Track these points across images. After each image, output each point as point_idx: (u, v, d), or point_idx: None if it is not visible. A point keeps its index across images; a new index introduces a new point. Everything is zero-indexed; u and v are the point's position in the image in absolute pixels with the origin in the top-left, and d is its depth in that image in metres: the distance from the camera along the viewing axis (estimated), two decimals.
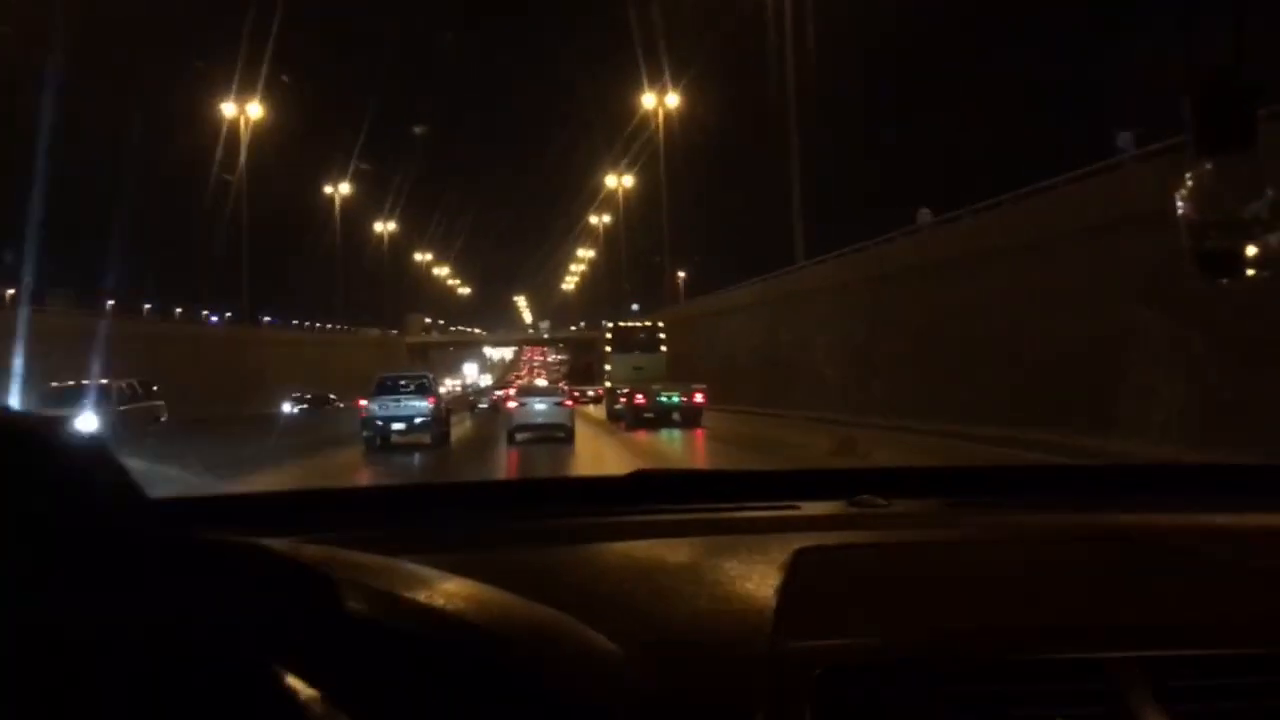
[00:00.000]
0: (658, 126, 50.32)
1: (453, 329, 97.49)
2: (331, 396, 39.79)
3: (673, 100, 49.67)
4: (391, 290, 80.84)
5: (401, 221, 79.28)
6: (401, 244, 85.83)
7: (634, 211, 63.17)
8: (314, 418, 32.78)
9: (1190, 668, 0.86)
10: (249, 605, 0.55)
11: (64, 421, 0.54)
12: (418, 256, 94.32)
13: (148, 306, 44.20)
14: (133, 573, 0.49)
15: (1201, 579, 1.06)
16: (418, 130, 62.48)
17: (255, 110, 46.08)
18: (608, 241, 74.90)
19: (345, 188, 64.87)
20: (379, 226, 75.23)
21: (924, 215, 23.43)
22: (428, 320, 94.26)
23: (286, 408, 36.76)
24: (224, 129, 45.13)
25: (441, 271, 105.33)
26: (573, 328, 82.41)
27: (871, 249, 25.23)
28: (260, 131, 47.05)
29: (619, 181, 64.06)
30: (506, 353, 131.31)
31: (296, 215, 62.61)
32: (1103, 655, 0.86)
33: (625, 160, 60.72)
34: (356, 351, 62.62)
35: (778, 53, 31.65)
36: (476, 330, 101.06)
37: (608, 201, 70.16)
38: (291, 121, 51.59)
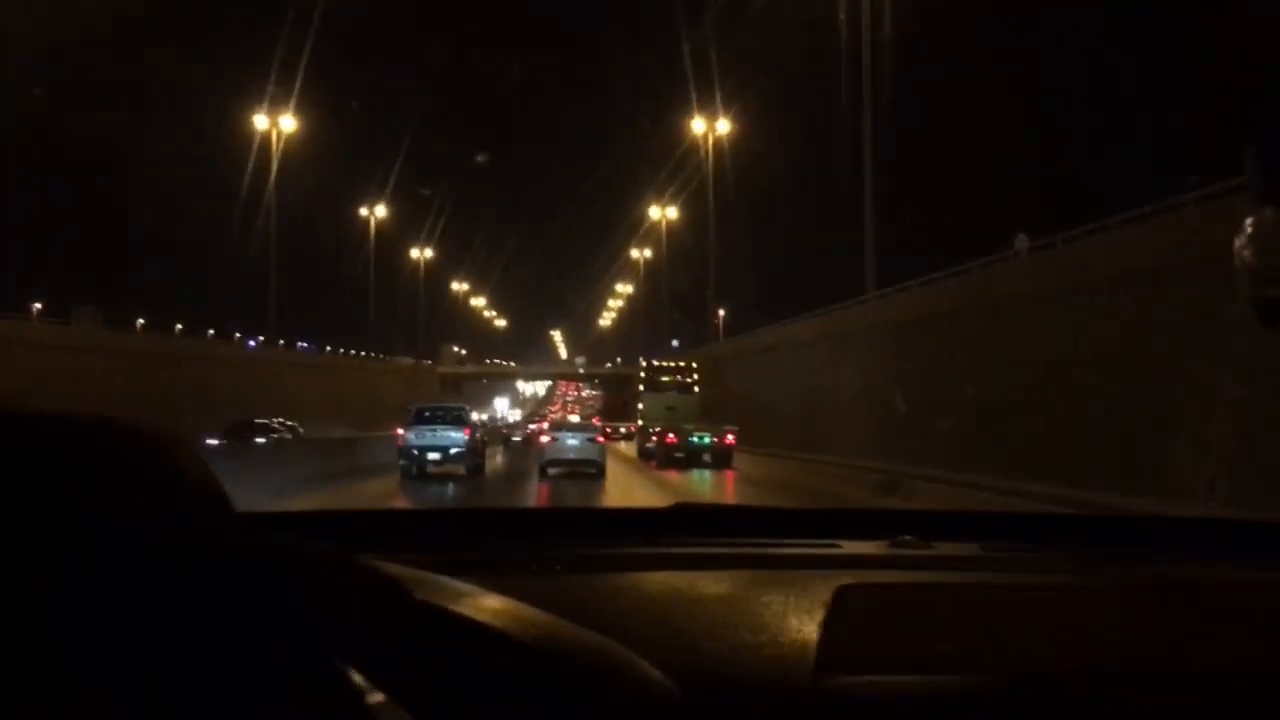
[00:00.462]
0: (706, 153, 48.47)
1: (487, 362, 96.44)
2: (273, 421, 29.41)
3: (723, 127, 47.70)
4: (426, 319, 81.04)
5: (439, 249, 78.09)
6: (438, 273, 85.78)
7: (678, 245, 62.25)
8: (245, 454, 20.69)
9: (1226, 715, 0.86)
10: (337, 611, 0.56)
11: (165, 428, 0.53)
12: (455, 286, 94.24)
13: (179, 327, 43.69)
14: (227, 576, 0.50)
15: (1246, 630, 1.05)
16: (480, 159, 64.25)
17: (288, 124, 44.74)
18: (648, 276, 74.27)
19: (381, 210, 64.03)
20: (415, 253, 75.44)
21: (1021, 241, 20.41)
22: (462, 351, 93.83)
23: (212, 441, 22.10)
24: (256, 143, 43.86)
25: (478, 302, 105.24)
26: (609, 364, 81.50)
27: (915, 289, 24.97)
28: (299, 154, 46.69)
29: (663, 214, 62.82)
30: (540, 388, 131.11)
31: (333, 241, 62.87)
32: (1139, 701, 0.86)
33: (671, 190, 59.40)
34: (387, 379, 61.89)
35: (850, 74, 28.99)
36: (510, 364, 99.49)
37: (650, 235, 69.51)
38: (332, 145, 52.48)
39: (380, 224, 64.63)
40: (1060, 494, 13.32)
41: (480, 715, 0.65)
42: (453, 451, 19.87)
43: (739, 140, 47.23)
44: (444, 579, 0.75)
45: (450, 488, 18.38)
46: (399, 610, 0.67)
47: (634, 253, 77.47)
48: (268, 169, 43.65)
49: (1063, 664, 0.94)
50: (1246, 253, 1.01)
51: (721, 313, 52.60)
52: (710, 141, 48.30)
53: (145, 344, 36.30)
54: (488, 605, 0.71)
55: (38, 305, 36.05)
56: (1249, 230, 1.02)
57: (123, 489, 0.49)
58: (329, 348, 59.47)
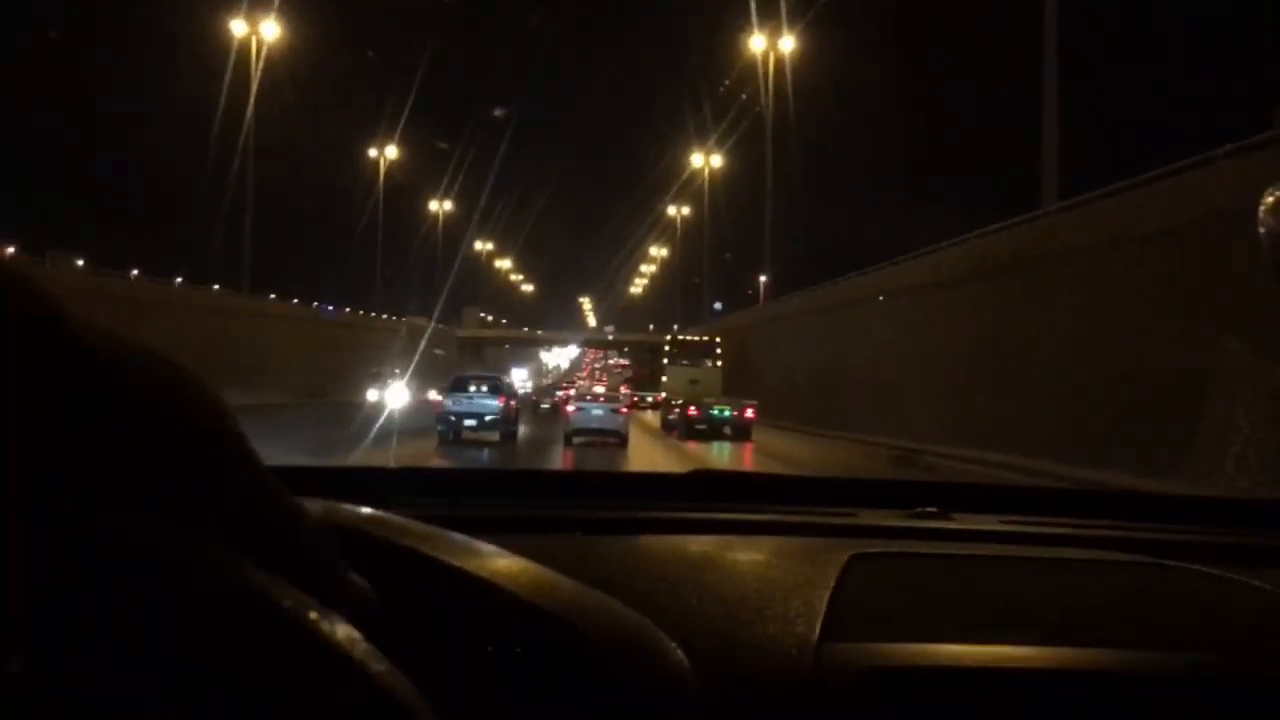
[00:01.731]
0: (764, 79, 42.03)
1: (508, 326, 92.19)
2: None
3: (787, 45, 42.04)
4: (447, 280, 74.69)
5: (460, 206, 73.57)
6: (459, 230, 78.57)
7: (721, 199, 57.53)
8: None
9: (1243, 690, 0.87)
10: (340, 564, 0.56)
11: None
12: (478, 246, 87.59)
13: (179, 280, 38.58)
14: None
15: (1263, 607, 1.05)
16: (497, 113, 58.88)
17: (271, 31, 39.83)
18: (685, 236, 70.02)
19: (392, 151, 58.84)
20: (433, 206, 70.24)
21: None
22: (487, 317, 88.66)
23: None
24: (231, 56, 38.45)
25: (504, 265, 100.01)
26: (642, 333, 76.97)
27: (946, 249, 24.45)
28: (294, 87, 42.38)
29: (706, 161, 57.96)
30: (564, 359, 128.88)
31: (342, 191, 60.60)
32: (1148, 671, 0.87)
33: (717, 135, 54.55)
34: (386, 340, 53.32)
35: None
36: (536, 331, 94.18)
37: (687, 191, 64.76)
38: (340, 84, 50.33)
39: (395, 178, 60.09)
40: (1082, 475, 13.27)
41: (482, 670, 0.66)
42: (488, 419, 21.12)
43: (803, 67, 41.70)
44: (456, 535, 0.75)
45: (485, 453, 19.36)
46: (409, 564, 0.68)
47: (671, 210, 72.81)
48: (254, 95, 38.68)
49: (1079, 639, 0.93)
50: (1270, 217, 0.99)
51: (762, 279, 48.37)
52: (769, 64, 42.35)
53: (89, 283, 30.75)
54: (498, 562, 0.72)
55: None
56: (1271, 199, 0.99)
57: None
58: (317, 303, 53.26)
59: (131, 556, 0.42)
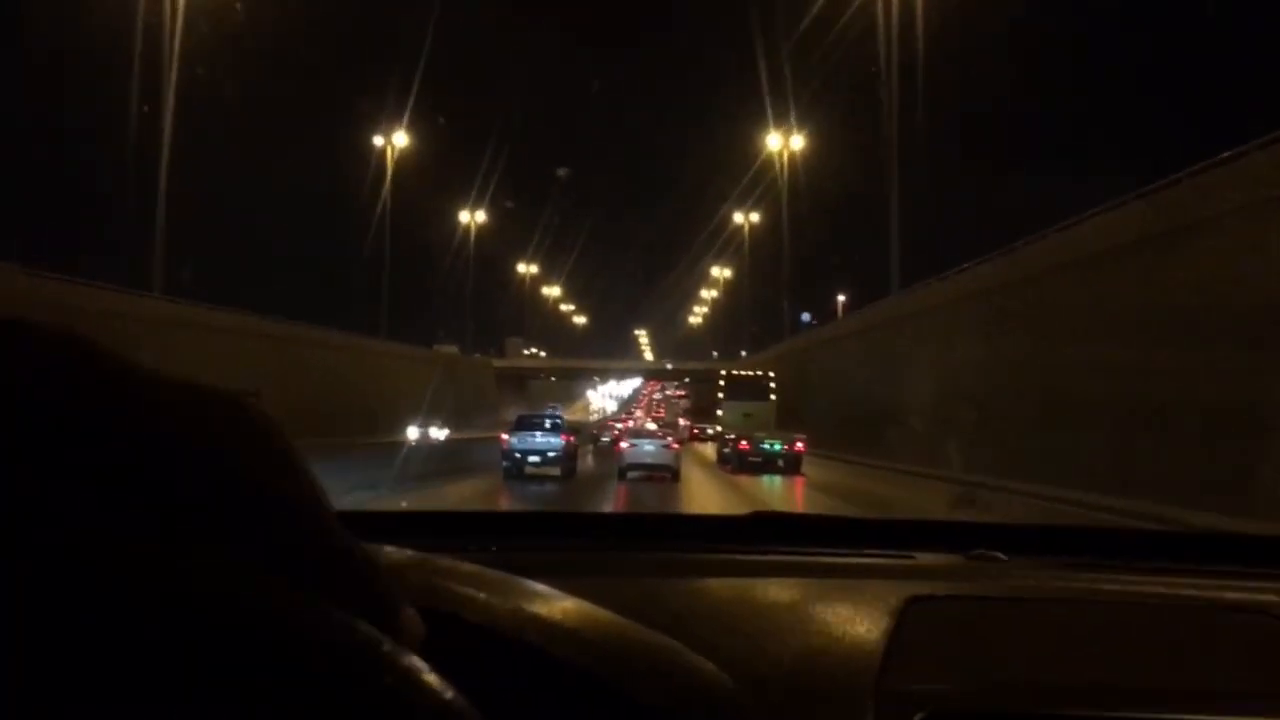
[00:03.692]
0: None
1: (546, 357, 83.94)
2: None
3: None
4: (486, 306, 70.24)
5: (505, 235, 69.19)
6: (501, 256, 74.95)
7: (794, 208, 52.06)
8: None
9: None
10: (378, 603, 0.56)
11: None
12: (522, 268, 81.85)
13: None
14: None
15: None
16: (561, 173, 59.60)
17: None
18: (753, 251, 64.93)
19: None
20: (464, 217, 63.71)
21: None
22: (539, 353, 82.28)
23: None
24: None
25: (552, 292, 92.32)
26: (703, 361, 70.08)
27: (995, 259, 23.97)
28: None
29: (784, 146, 52.24)
30: (616, 396, 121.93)
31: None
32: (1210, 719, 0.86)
33: (794, 117, 49.59)
34: (410, 368, 48.61)
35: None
36: (588, 362, 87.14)
37: (759, 194, 60.07)
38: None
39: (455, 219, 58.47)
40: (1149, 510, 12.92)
41: (542, 711, 0.66)
42: (550, 455, 22.68)
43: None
44: (516, 578, 0.75)
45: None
46: (468, 607, 0.68)
47: (738, 217, 65.74)
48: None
49: (1134, 680, 0.93)
50: None
51: (842, 298, 45.37)
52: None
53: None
54: (556, 605, 0.72)
55: None
56: None
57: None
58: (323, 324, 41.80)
59: (199, 595, 0.41)
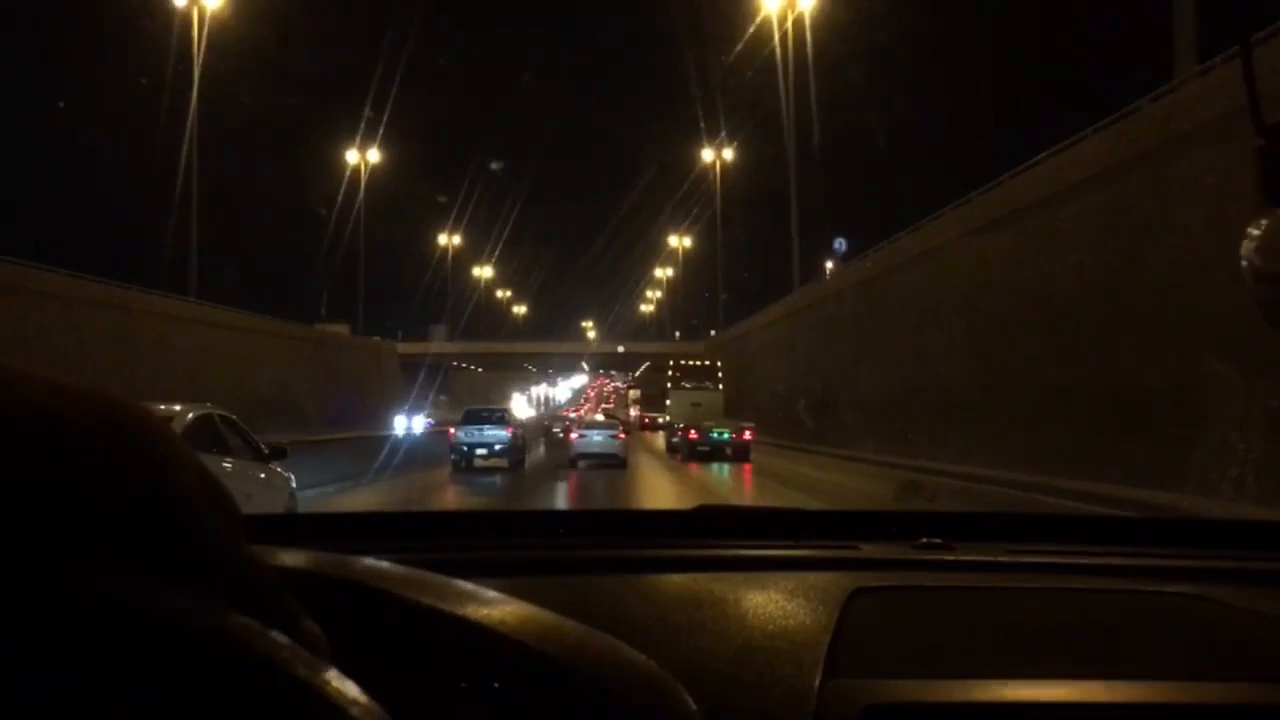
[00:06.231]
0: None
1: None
2: None
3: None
4: (421, 298, 59.39)
5: (432, 218, 60.55)
6: (428, 235, 64.27)
7: (754, 185, 53.44)
8: None
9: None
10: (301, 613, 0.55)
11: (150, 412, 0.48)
12: (443, 239, 68.48)
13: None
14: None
15: (1264, 635, 1.05)
16: (494, 166, 54.39)
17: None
18: (708, 232, 60.73)
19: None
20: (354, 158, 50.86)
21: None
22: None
23: None
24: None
25: (483, 272, 77.93)
26: (663, 343, 63.37)
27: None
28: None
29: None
30: (554, 395, 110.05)
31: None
32: (1153, 702, 0.87)
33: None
34: (271, 348, 38.58)
35: None
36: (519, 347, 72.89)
37: (703, 183, 56.79)
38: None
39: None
40: (1089, 489, 13.21)
41: (472, 711, 0.65)
42: (497, 447, 22.97)
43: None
44: (447, 579, 0.74)
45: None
46: (391, 611, 0.66)
47: (708, 155, 57.16)
48: None
49: (1079, 670, 0.94)
50: (1254, 256, 1.00)
51: (829, 264, 39.64)
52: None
53: None
54: (488, 604, 0.71)
55: None
56: (1255, 233, 1.01)
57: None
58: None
59: (93, 607, 0.41)
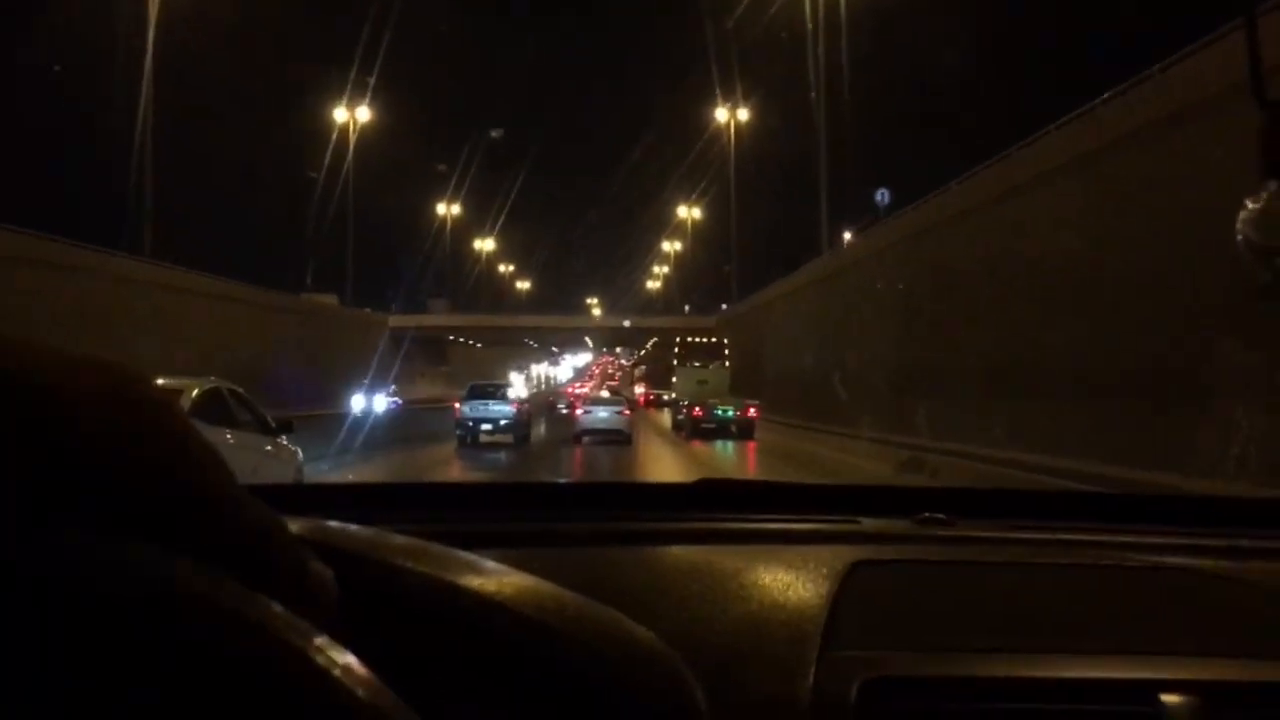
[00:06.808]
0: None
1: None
2: None
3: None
4: (427, 271, 56.60)
5: (435, 191, 58.59)
6: (425, 207, 61.83)
7: (767, 151, 50.59)
8: None
9: (1245, 697, 0.87)
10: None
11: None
12: (441, 209, 65.95)
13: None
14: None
15: (1263, 611, 1.05)
16: (494, 134, 53.38)
17: None
18: (722, 200, 57.18)
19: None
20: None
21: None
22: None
23: None
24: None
25: (484, 245, 75.55)
26: (672, 318, 59.49)
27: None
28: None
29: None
30: (555, 375, 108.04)
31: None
32: (1152, 678, 0.87)
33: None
34: (239, 316, 33.95)
35: None
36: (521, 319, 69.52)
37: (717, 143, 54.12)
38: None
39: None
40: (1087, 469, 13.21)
41: (486, 691, 0.65)
42: (502, 422, 23.30)
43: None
44: (450, 550, 0.74)
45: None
46: (391, 581, 0.67)
47: (721, 115, 53.96)
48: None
49: (1077, 642, 0.94)
50: (1250, 230, 1.00)
51: (848, 235, 36.69)
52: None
53: None
54: (490, 575, 0.71)
55: None
56: (1252, 206, 1.01)
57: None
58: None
59: (98, 573, 0.42)
